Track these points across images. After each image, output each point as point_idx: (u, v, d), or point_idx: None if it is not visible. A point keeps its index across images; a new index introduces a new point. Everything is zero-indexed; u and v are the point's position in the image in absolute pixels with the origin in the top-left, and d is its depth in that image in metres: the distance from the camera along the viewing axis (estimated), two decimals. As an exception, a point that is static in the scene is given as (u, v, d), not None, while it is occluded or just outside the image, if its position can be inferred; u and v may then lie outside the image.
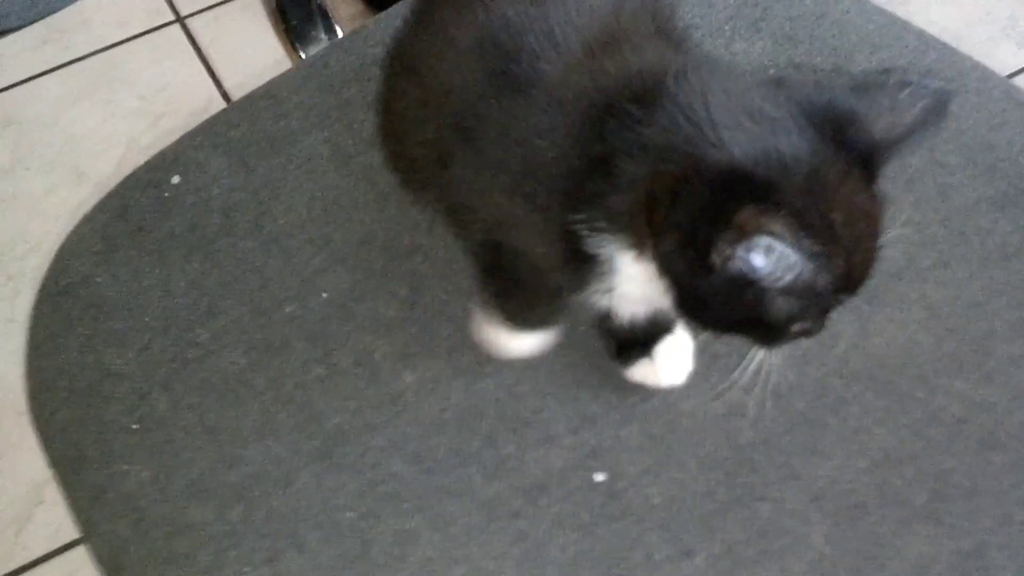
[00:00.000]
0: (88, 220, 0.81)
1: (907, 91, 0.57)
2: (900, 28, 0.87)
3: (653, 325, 0.72)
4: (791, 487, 0.69)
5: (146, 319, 0.77)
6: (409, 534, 0.69)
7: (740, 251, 0.51)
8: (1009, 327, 0.74)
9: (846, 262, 0.56)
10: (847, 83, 0.58)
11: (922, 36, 0.87)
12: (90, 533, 0.73)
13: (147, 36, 1.56)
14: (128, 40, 1.55)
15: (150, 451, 0.73)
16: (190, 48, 1.55)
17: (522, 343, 0.72)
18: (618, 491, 0.69)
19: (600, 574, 0.67)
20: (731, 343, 0.73)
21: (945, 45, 0.87)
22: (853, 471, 0.69)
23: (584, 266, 0.59)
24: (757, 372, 0.61)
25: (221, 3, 1.58)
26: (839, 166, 0.55)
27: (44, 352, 0.78)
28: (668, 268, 0.55)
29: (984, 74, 0.85)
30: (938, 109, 0.58)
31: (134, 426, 0.73)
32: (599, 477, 0.70)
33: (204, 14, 1.57)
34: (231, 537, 0.69)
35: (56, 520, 1.15)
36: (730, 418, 0.71)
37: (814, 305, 0.58)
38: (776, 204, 0.51)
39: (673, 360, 0.72)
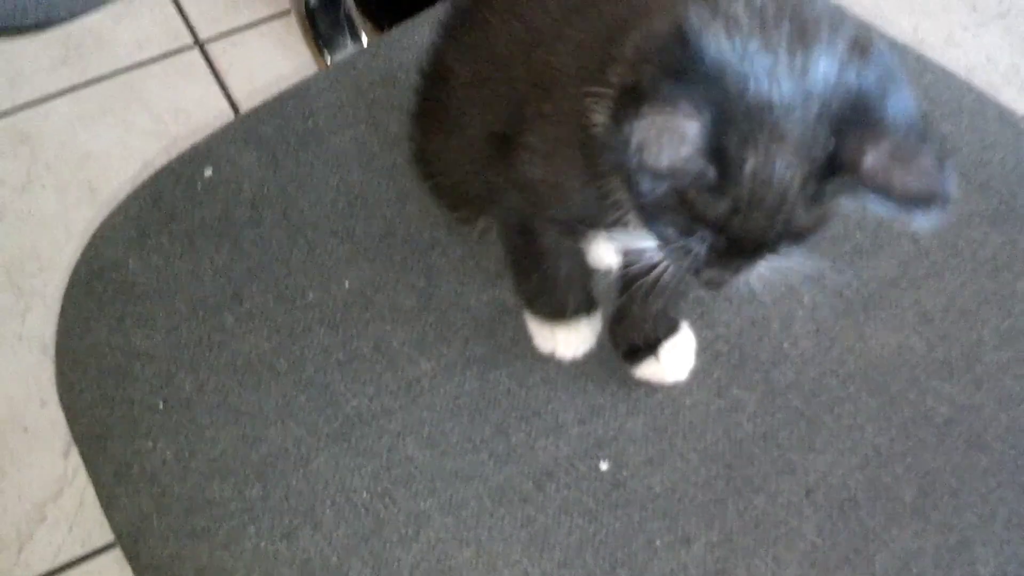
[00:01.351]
0: (122, 208, 0.84)
1: (925, 157, 0.52)
2: (899, 51, 0.91)
3: (660, 324, 0.76)
4: (786, 480, 0.72)
5: (175, 303, 0.80)
6: (422, 515, 0.72)
7: (633, 124, 0.50)
8: (998, 335, 0.77)
9: (731, 210, 0.54)
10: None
11: (920, 59, 0.91)
12: (111, 507, 0.76)
13: (166, 59, 1.59)
14: (146, 63, 1.59)
15: (174, 430, 0.76)
16: (208, 72, 1.58)
17: (567, 341, 0.76)
18: (622, 480, 0.73)
19: (604, 558, 0.70)
20: (733, 341, 0.77)
21: (943, 69, 0.91)
22: (845, 467, 0.73)
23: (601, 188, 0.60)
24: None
25: (241, 29, 1.61)
26: (800, 144, 0.52)
27: (74, 333, 0.81)
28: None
29: (979, 97, 0.89)
30: (929, 200, 0.52)
31: (160, 405, 0.77)
32: (604, 466, 0.73)
33: (223, 39, 1.60)
34: (249, 513, 0.72)
35: (58, 539, 1.17)
36: (730, 413, 0.75)
37: (686, 219, 0.55)
38: (697, 108, 0.51)
39: (676, 358, 0.76)
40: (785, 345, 0.78)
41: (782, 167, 0.52)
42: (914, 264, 0.80)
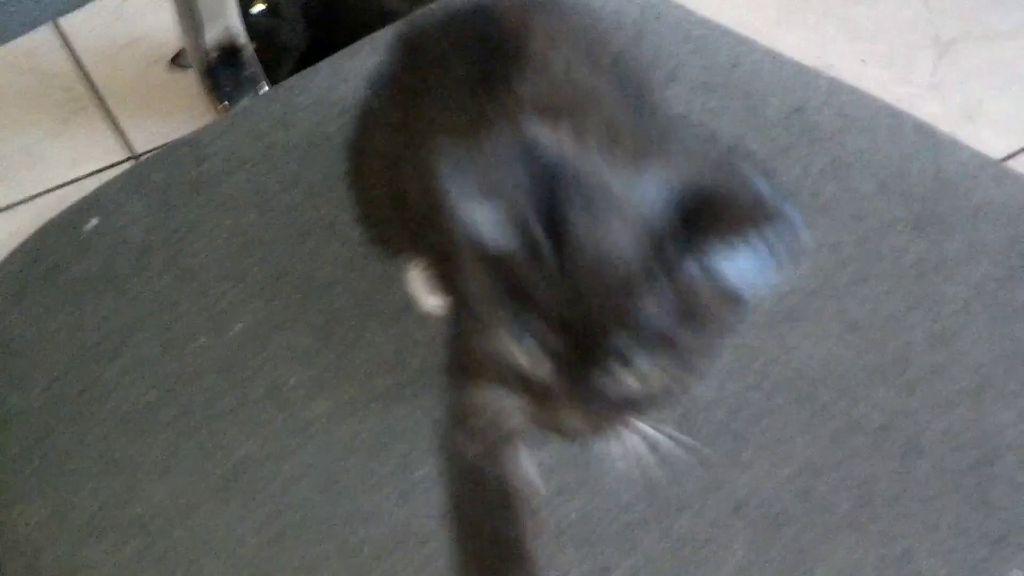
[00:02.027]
0: (3, 265, 0.80)
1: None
2: (812, 75, 0.90)
3: None
4: (712, 498, 0.66)
5: (55, 357, 0.75)
6: (315, 561, 0.65)
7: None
8: (928, 339, 0.73)
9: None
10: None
11: (833, 81, 0.90)
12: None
13: (101, 174, 1.57)
14: (82, 178, 1.57)
15: (51, 488, 0.70)
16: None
17: None
18: (533, 510, 0.67)
19: (514, 595, 0.63)
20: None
21: (857, 90, 0.89)
22: (775, 480, 0.67)
23: None
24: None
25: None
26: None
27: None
28: None
29: (895, 113, 0.87)
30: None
31: (35, 463, 0.71)
32: (514, 497, 0.67)
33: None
34: (126, 572, 0.66)
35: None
36: (649, 434, 0.69)
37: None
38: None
39: None
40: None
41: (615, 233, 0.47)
42: (836, 273, 0.76)
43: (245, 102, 0.95)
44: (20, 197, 1.55)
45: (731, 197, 0.48)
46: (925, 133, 0.85)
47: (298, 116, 0.84)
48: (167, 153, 0.84)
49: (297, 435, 0.70)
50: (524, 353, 0.48)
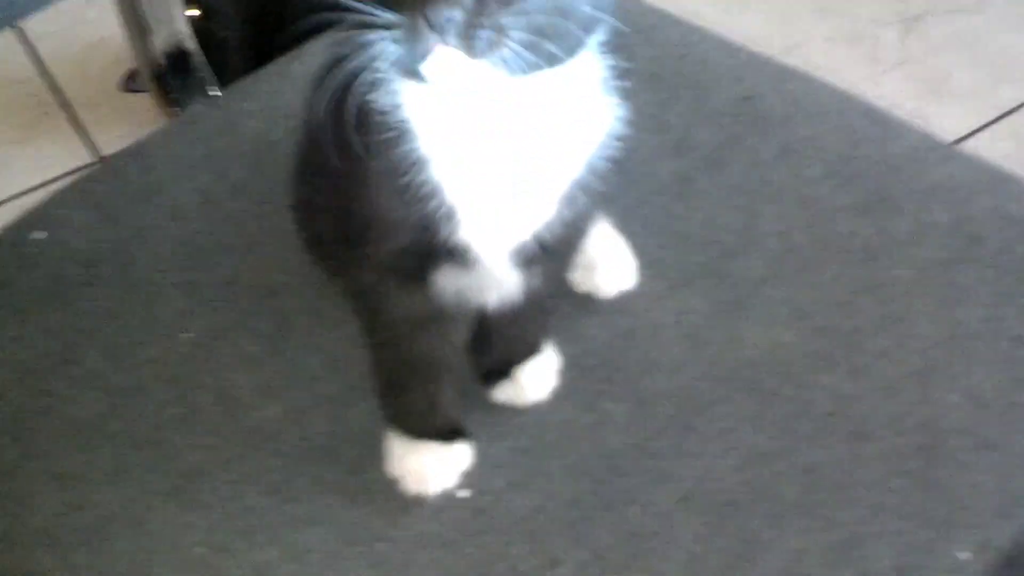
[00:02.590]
0: (-49, 283, 0.80)
1: None
2: (761, 62, 0.90)
3: (518, 347, 0.71)
4: (660, 489, 0.66)
5: (2, 372, 0.75)
6: (264, 565, 0.65)
7: None
8: (875, 323, 0.73)
9: None
10: None
11: (783, 69, 0.89)
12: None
13: (67, 178, 1.56)
14: (48, 183, 1.56)
15: (0, 499, 0.70)
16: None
17: (433, 470, 0.68)
18: (483, 506, 0.67)
19: (464, 590, 0.64)
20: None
21: (806, 75, 0.89)
22: (722, 469, 0.67)
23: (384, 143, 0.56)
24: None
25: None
26: None
27: None
28: None
29: (844, 98, 0.87)
30: None
31: (-18, 479, 0.71)
32: (464, 493, 0.67)
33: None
34: (75, 582, 0.66)
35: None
36: (599, 427, 0.70)
37: None
38: None
39: (534, 377, 0.71)
40: (654, 354, 0.73)
41: None
42: (783, 261, 0.76)
43: (194, 108, 0.94)
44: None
45: None
46: (874, 117, 0.85)
47: (244, 122, 0.84)
48: (113, 163, 0.84)
49: (246, 441, 0.70)
50: None
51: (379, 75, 0.54)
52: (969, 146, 1.59)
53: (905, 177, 0.80)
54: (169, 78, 0.93)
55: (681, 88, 0.87)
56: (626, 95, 0.85)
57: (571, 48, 0.53)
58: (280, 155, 0.81)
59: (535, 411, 0.71)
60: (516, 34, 0.50)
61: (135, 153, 0.83)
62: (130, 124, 1.59)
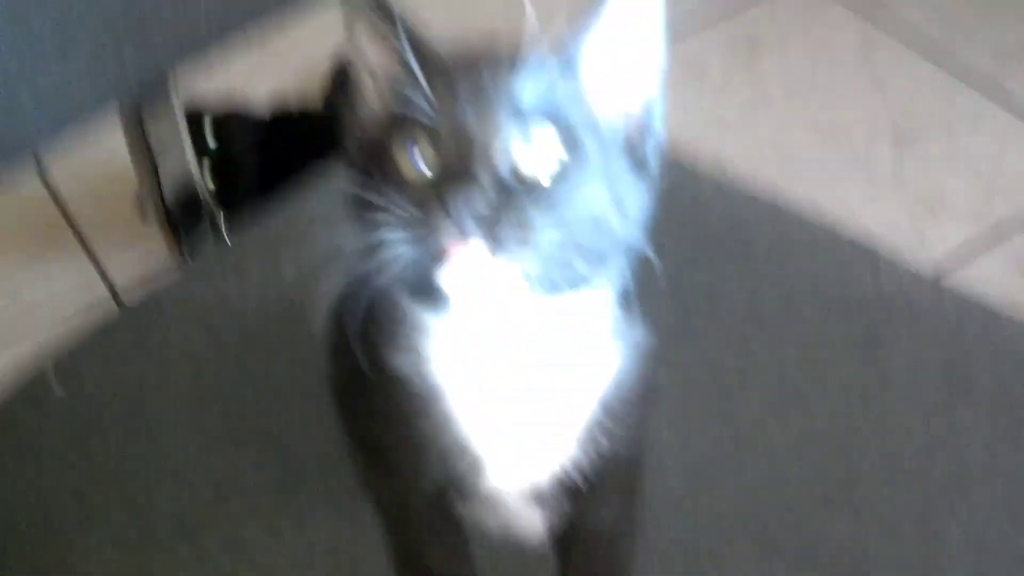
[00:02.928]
0: (-29, 435, 0.82)
1: None
2: (752, 199, 0.93)
3: None
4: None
5: (23, 529, 0.76)
6: None
7: None
8: (875, 463, 0.74)
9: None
10: None
11: (775, 206, 0.92)
12: None
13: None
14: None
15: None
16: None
17: None
18: None
19: None
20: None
21: (799, 212, 0.92)
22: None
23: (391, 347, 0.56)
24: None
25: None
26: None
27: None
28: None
29: (836, 233, 0.90)
30: None
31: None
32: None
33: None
34: None
35: None
36: None
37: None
38: None
39: None
40: (658, 492, 0.73)
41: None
42: (782, 400, 0.78)
43: (204, 251, 0.97)
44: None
45: None
46: (865, 253, 0.88)
47: (252, 265, 0.87)
48: (128, 313, 0.86)
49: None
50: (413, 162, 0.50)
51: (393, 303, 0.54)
52: (966, 266, 1.62)
53: (899, 315, 0.82)
54: (177, 219, 0.96)
55: (677, 224, 0.90)
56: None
57: (599, 267, 0.52)
58: (288, 299, 0.84)
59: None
60: (545, 236, 0.48)
61: (150, 302, 0.86)
62: (144, 252, 1.63)
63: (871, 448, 0.75)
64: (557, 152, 0.49)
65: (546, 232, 0.48)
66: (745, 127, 1.83)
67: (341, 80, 1.55)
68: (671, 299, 0.84)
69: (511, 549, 0.69)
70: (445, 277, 0.48)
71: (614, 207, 0.51)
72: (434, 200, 0.47)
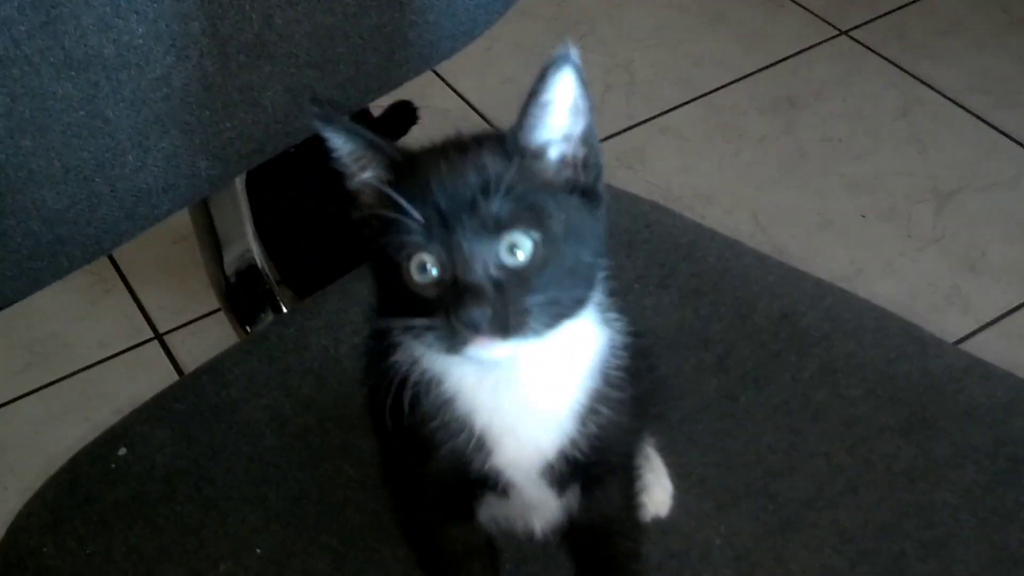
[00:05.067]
0: (38, 496, 0.85)
1: None
2: (798, 277, 0.94)
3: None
4: None
5: (83, 584, 0.79)
6: None
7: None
8: (921, 547, 0.75)
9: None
10: None
11: (820, 284, 0.94)
12: None
13: (126, 354, 1.64)
14: (108, 359, 1.64)
15: None
16: (167, 363, 1.63)
17: None
18: None
19: None
20: None
21: (843, 291, 0.93)
22: None
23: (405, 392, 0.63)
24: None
25: (199, 319, 1.67)
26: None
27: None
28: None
29: (881, 313, 0.91)
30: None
31: None
32: None
33: (182, 330, 1.66)
34: None
35: None
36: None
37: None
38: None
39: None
40: (706, 575, 0.76)
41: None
42: (829, 482, 0.79)
43: (263, 325, 1.00)
44: (51, 378, 1.62)
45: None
46: (911, 334, 0.89)
47: (310, 340, 0.90)
48: (189, 381, 0.89)
49: (315, 661, 0.73)
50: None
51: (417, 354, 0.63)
52: (1008, 324, 1.62)
53: (944, 397, 0.83)
54: (238, 294, 1.00)
55: (722, 304, 0.92)
56: (669, 310, 0.91)
57: (584, 299, 0.62)
58: (344, 374, 0.87)
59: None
60: (538, 309, 0.59)
61: (210, 371, 0.89)
62: (188, 300, 1.67)
63: (917, 531, 0.76)
64: (532, 236, 0.59)
65: (537, 301, 0.59)
66: (782, 183, 1.84)
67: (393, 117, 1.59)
68: (717, 379, 0.87)
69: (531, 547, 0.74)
70: (466, 355, 0.59)
71: (582, 247, 0.61)
72: (445, 311, 0.58)
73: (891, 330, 0.89)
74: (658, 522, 0.78)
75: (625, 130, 1.96)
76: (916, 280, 1.68)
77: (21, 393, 1.59)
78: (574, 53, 0.59)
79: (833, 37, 2.11)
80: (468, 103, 2.02)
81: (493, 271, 0.58)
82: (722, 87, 2.03)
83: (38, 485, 1.36)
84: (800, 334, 0.88)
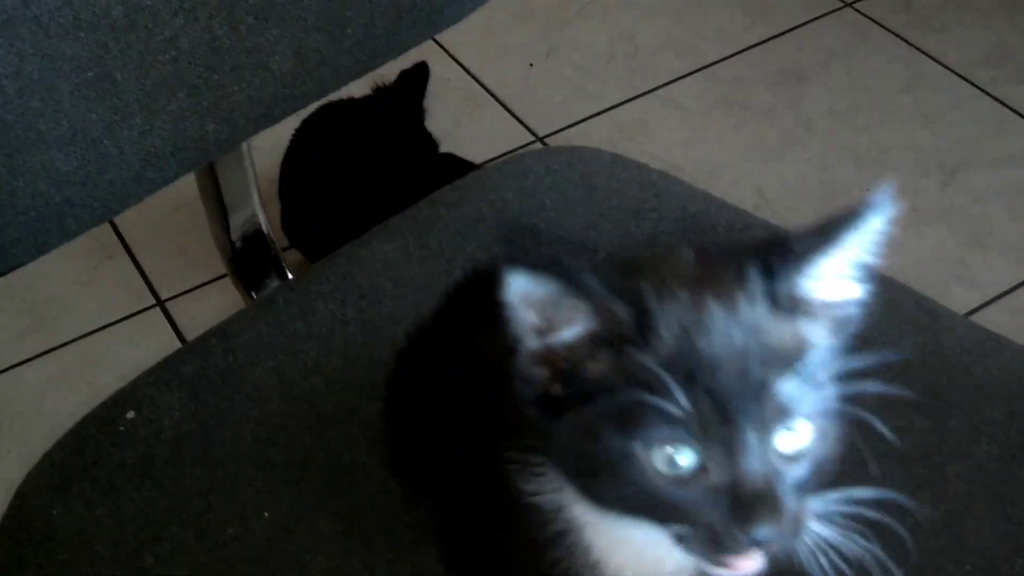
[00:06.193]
0: (47, 458, 0.84)
1: None
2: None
3: None
4: None
5: (96, 548, 0.78)
6: None
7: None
8: (933, 522, 0.75)
9: (679, 348, 0.46)
10: None
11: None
12: None
13: (127, 321, 1.64)
14: (110, 325, 1.63)
15: None
16: (169, 330, 1.62)
17: None
18: None
19: None
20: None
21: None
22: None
23: (539, 534, 0.54)
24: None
25: (201, 286, 1.67)
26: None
27: (-3, 587, 0.80)
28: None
29: (893, 286, 0.90)
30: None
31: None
32: None
33: (184, 297, 1.66)
34: None
35: None
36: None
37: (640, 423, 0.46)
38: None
39: None
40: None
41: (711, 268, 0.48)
42: (840, 456, 0.79)
43: (269, 290, 1.00)
44: (53, 344, 1.61)
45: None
46: (924, 307, 0.89)
47: (317, 305, 0.89)
48: (197, 345, 0.88)
49: (323, 625, 0.73)
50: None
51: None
52: (1015, 299, 1.62)
53: (957, 371, 0.83)
54: (243, 258, 1.00)
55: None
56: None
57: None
58: (351, 335, 0.87)
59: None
60: (806, 510, 0.48)
61: (218, 334, 0.88)
62: (190, 267, 1.66)
63: (930, 506, 0.76)
64: (811, 419, 0.49)
65: (809, 497, 0.49)
66: (787, 156, 1.83)
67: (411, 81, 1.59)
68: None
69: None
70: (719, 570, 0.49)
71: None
72: (711, 519, 0.46)
73: (904, 303, 0.89)
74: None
75: (627, 101, 1.94)
76: (922, 255, 1.67)
77: (23, 359, 1.59)
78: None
79: (838, 9, 2.10)
80: (469, 72, 2.00)
81: (773, 468, 0.47)
82: (726, 58, 2.02)
83: (40, 450, 1.36)
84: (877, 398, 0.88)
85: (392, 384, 0.78)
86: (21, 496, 0.84)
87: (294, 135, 1.59)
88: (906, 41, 2.03)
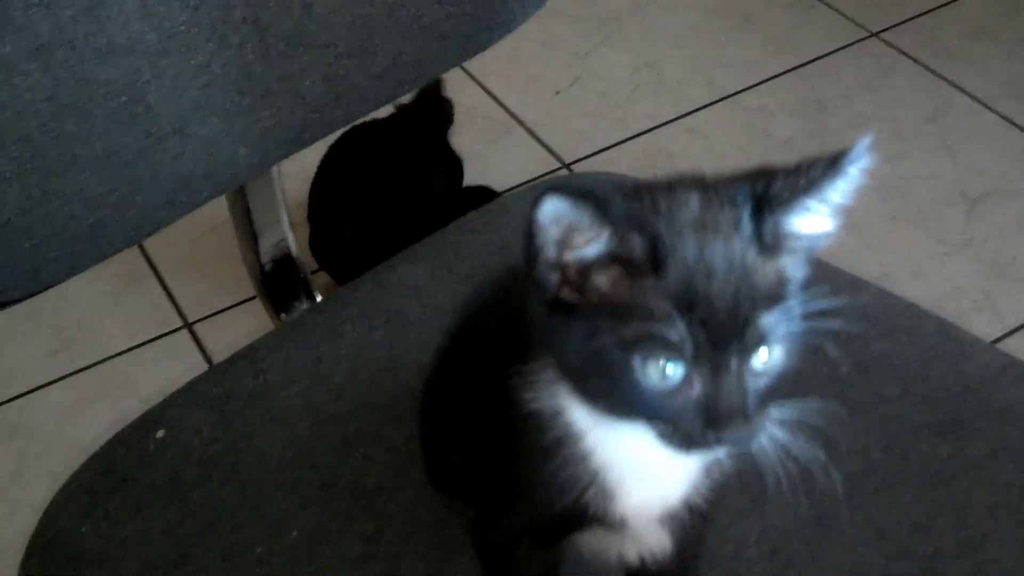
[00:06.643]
0: (75, 477, 0.85)
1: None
2: (832, 273, 0.94)
3: None
4: None
5: (124, 567, 0.79)
6: None
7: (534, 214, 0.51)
8: (956, 546, 0.75)
9: (683, 278, 0.52)
10: None
11: (856, 281, 0.94)
12: None
13: (155, 343, 1.65)
14: (137, 347, 1.65)
15: None
16: (197, 352, 1.64)
17: None
18: None
19: None
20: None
21: (879, 289, 0.93)
22: None
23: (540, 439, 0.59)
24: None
25: (228, 308, 1.68)
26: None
27: (25, 608, 0.81)
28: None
29: (916, 312, 0.91)
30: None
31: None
32: None
33: (211, 319, 1.67)
34: None
35: None
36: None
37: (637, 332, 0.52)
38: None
39: None
40: (740, 570, 0.75)
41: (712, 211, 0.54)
42: (864, 479, 0.79)
43: (297, 312, 1.02)
44: (77, 367, 1.63)
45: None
46: (947, 333, 0.89)
47: (344, 328, 0.91)
48: (225, 366, 0.90)
49: (347, 646, 0.74)
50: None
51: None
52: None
53: (979, 397, 0.83)
54: (272, 281, 1.01)
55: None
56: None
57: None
58: (377, 359, 0.88)
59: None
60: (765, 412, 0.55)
61: (247, 356, 0.90)
62: (217, 291, 1.68)
63: (951, 531, 0.76)
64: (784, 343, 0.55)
65: (770, 402, 0.56)
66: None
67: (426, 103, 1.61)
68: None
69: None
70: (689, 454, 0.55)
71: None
72: (690, 422, 0.53)
73: (927, 329, 0.89)
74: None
75: (652, 129, 1.96)
76: (945, 284, 1.67)
77: (49, 380, 1.61)
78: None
79: (864, 39, 2.10)
80: (496, 99, 2.02)
81: (749, 383, 0.54)
82: (750, 88, 2.03)
83: (64, 472, 1.37)
84: (835, 331, 0.88)
85: (427, 392, 0.79)
86: (50, 515, 0.85)
87: (323, 158, 1.61)
88: (931, 71, 2.03)
